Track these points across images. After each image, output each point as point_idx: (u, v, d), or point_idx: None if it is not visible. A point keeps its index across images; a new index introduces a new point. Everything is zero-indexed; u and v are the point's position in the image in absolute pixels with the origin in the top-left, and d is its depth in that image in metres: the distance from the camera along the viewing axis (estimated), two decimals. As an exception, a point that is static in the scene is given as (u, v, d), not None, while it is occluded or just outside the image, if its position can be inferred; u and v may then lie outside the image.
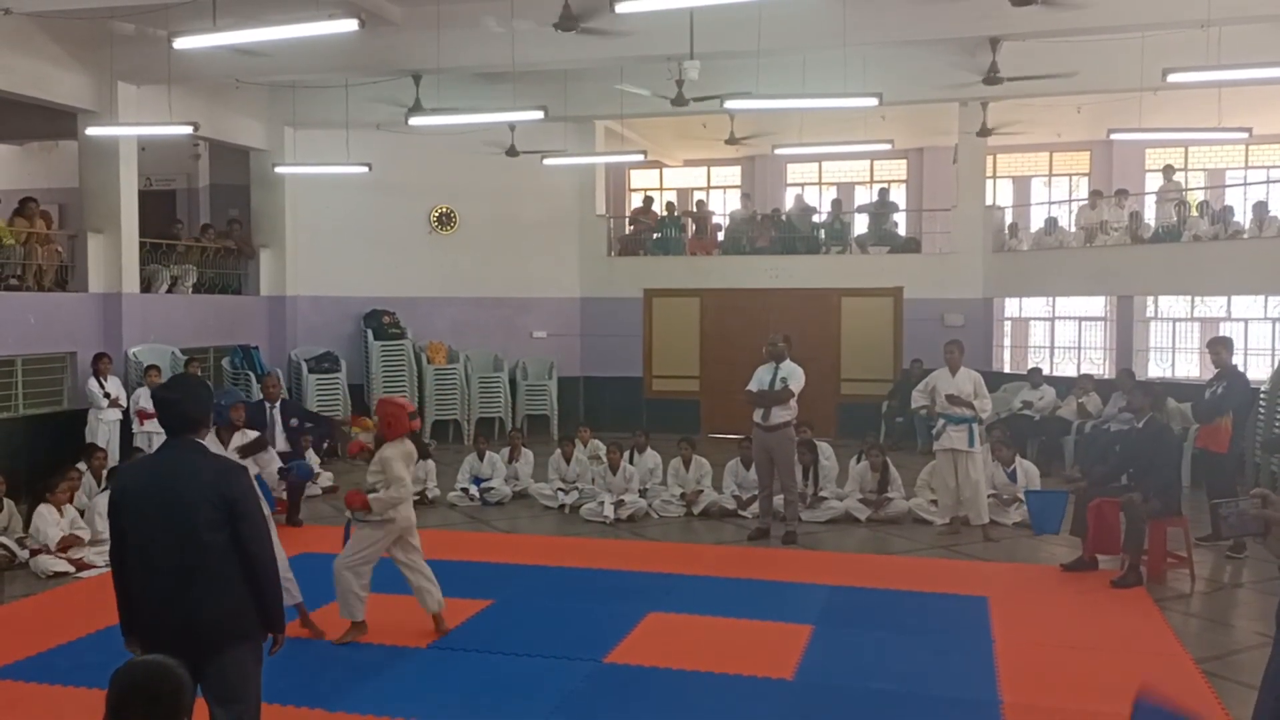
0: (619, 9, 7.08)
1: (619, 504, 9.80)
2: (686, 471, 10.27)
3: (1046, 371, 14.21)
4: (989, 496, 9.33)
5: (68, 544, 8.09)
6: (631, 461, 10.32)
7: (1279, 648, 1.67)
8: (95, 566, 8.04)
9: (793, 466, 9.10)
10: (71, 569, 7.92)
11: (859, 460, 10.12)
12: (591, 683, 5.65)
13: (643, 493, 10.11)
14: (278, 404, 10.07)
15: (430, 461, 10.93)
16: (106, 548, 8.19)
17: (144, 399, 10.86)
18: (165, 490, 3.66)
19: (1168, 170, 14.90)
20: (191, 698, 2.53)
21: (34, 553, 8.01)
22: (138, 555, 3.70)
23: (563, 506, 10.23)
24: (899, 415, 13.91)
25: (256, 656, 3.80)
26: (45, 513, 8.11)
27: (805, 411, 9.85)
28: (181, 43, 7.89)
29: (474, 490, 10.57)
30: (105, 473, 9.14)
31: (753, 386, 8.92)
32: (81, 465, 9.38)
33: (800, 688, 5.59)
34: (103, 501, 8.66)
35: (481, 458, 10.89)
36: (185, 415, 3.77)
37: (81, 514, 8.53)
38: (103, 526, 8.49)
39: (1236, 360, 9.31)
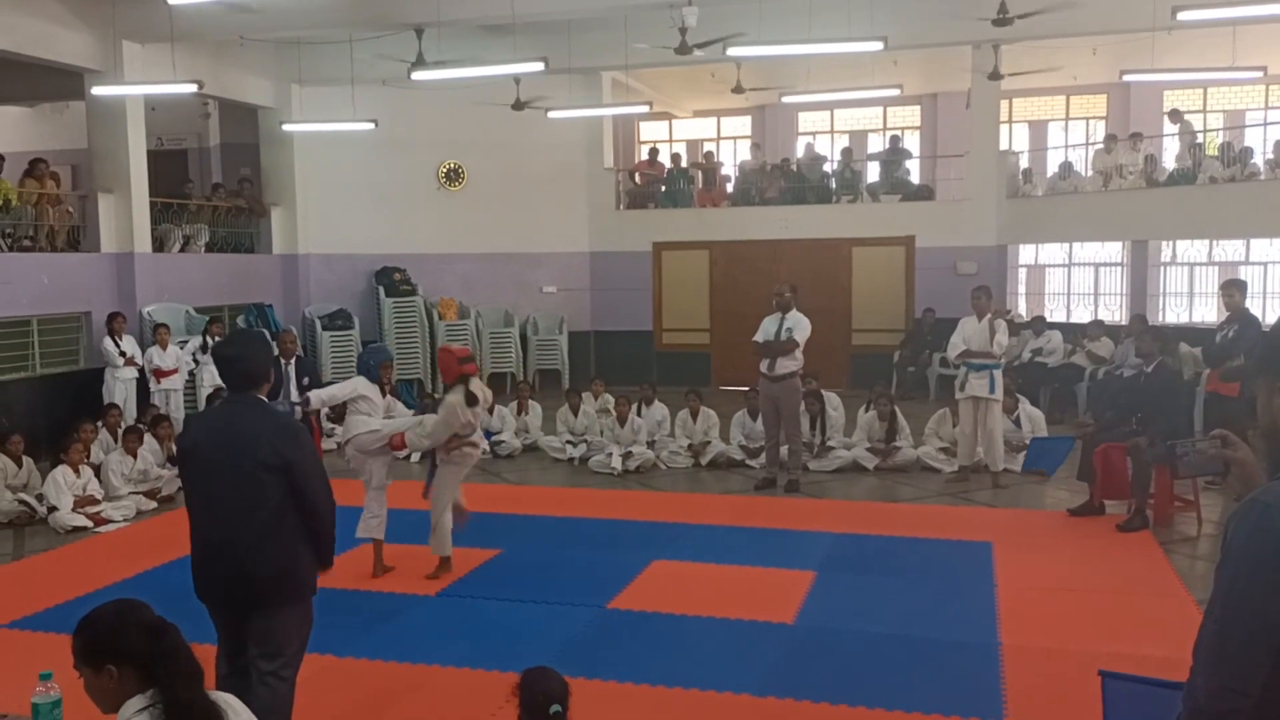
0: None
1: (627, 455, 9.87)
2: (694, 423, 10.31)
3: (1063, 319, 14.08)
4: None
5: (82, 504, 8.23)
6: (639, 414, 10.38)
7: (1219, 572, 1.69)
8: (113, 521, 8.20)
9: (798, 416, 9.11)
10: (90, 524, 8.07)
11: (867, 410, 10.12)
12: (594, 628, 5.75)
13: (651, 444, 10.16)
14: (292, 361, 10.14)
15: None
16: (123, 503, 8.44)
17: (158, 357, 10.99)
18: (225, 447, 3.64)
19: (1174, 114, 14.61)
20: (123, 638, 2.37)
21: (51, 509, 8.16)
22: (200, 508, 3.73)
23: (571, 459, 10.31)
24: (910, 365, 13.87)
25: (305, 616, 3.79)
26: (59, 477, 8.23)
27: (817, 362, 9.82)
28: (177, -2, 7.84)
29: (484, 443, 10.66)
30: (120, 431, 9.26)
31: (759, 338, 8.92)
32: (98, 422, 9.52)
33: (801, 631, 5.66)
34: (116, 459, 8.80)
35: (491, 411, 10.96)
36: (245, 373, 3.74)
37: (97, 471, 8.65)
38: (119, 483, 8.65)
39: (1256, 304, 9.19)
